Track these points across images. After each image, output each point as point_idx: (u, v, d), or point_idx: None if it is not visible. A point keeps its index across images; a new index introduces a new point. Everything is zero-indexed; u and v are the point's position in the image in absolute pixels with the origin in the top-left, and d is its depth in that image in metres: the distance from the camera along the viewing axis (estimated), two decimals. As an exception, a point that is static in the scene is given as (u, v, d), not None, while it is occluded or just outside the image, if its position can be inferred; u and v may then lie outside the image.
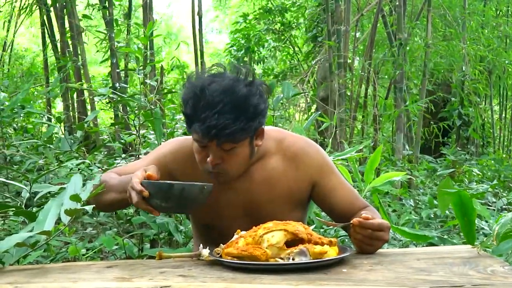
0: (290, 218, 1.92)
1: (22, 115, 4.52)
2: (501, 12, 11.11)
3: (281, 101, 4.70)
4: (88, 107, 8.45)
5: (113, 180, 2.05)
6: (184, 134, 3.87)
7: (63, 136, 3.83)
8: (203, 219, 2.21)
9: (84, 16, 7.35)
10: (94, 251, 3.54)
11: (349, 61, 8.36)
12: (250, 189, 2.11)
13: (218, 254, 1.75)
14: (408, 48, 7.84)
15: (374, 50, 9.20)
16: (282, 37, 12.51)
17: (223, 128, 1.86)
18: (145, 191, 1.78)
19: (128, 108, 4.56)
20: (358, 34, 10.60)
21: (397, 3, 7.84)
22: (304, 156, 2.14)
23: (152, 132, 4.15)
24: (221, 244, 1.79)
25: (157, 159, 2.17)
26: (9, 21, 10.03)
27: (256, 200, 2.11)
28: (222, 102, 1.86)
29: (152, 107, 3.91)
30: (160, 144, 3.78)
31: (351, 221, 1.86)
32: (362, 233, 1.85)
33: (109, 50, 7.09)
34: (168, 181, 1.80)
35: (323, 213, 4.11)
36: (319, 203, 2.22)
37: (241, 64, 2.09)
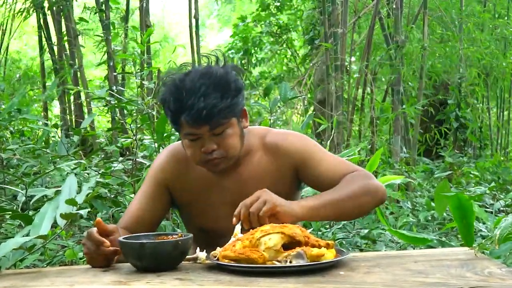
0: None
1: (18, 118, 4.52)
2: (498, 15, 11.11)
3: (278, 104, 4.70)
4: (85, 110, 8.44)
5: None
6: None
7: (59, 140, 3.82)
8: (197, 223, 2.22)
9: (81, 19, 7.34)
10: (91, 254, 3.52)
11: (346, 63, 8.36)
12: (238, 187, 2.13)
13: (215, 257, 1.74)
14: (405, 50, 7.84)
15: (371, 53, 9.20)
16: (279, 40, 12.52)
17: (213, 107, 1.91)
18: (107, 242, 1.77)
19: (125, 111, 4.56)
20: (355, 37, 10.60)
21: (394, 6, 7.85)
22: (283, 145, 2.17)
23: (147, 136, 4.14)
24: (218, 247, 1.79)
25: (153, 178, 2.20)
26: (6, 24, 10.01)
27: (246, 197, 2.09)
28: (204, 85, 1.93)
29: (150, 110, 3.91)
30: (159, 147, 3.80)
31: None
32: (254, 218, 1.85)
33: (106, 53, 7.07)
34: (140, 241, 1.75)
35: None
36: (310, 185, 2.24)
37: (210, 52, 2.13)
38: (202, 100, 1.90)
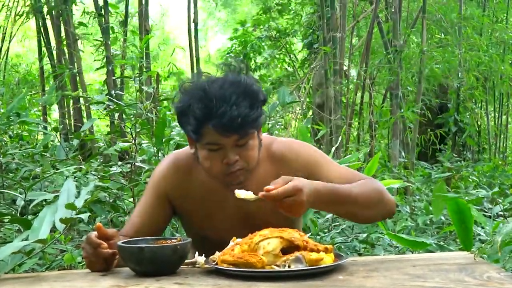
0: (287, 221, 1.94)
1: (17, 122, 4.52)
2: (497, 19, 11.12)
3: (277, 108, 4.70)
4: (84, 114, 8.44)
5: None
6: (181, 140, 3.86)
7: (59, 144, 3.82)
8: (198, 233, 2.18)
9: (80, 23, 7.35)
10: (90, 259, 3.52)
11: (345, 68, 8.37)
12: (243, 201, 2.03)
13: (214, 261, 1.75)
14: (403, 54, 7.85)
15: (370, 57, 9.20)
16: (278, 44, 12.53)
17: (246, 116, 1.87)
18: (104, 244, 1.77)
19: (124, 115, 4.57)
20: (354, 41, 10.61)
21: (393, 10, 7.86)
22: (290, 155, 2.14)
23: (146, 140, 4.14)
24: (217, 252, 1.79)
25: (154, 189, 2.16)
26: (5, 28, 10.02)
27: (251, 211, 2.09)
28: (235, 93, 1.88)
29: (149, 114, 3.91)
30: (157, 151, 3.80)
31: (259, 195, 1.82)
32: (276, 204, 1.82)
33: (105, 58, 7.08)
34: (139, 245, 1.74)
35: (320, 221, 4.12)
36: None
37: (231, 60, 2.11)
38: (234, 109, 1.85)
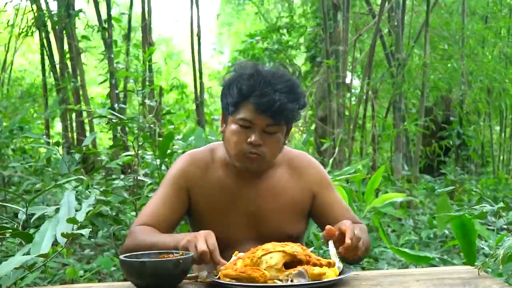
0: (294, 229, 2.07)
1: (20, 136, 4.53)
2: (499, 33, 11.11)
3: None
4: (87, 127, 8.45)
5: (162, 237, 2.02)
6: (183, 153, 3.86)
7: (61, 158, 3.82)
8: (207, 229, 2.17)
9: (83, 37, 7.37)
10: (92, 272, 3.52)
11: (347, 81, 8.37)
12: (256, 199, 2.15)
13: (216, 275, 1.74)
14: (406, 67, 7.85)
15: (372, 70, 9.20)
16: (280, 56, 12.51)
17: (284, 104, 1.99)
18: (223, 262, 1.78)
19: (127, 129, 4.56)
20: (356, 54, 10.62)
21: (395, 23, 7.88)
22: (307, 167, 2.24)
23: (149, 153, 4.14)
24: (219, 266, 1.78)
25: (173, 183, 2.17)
26: (9, 42, 10.06)
27: (262, 210, 2.14)
28: (282, 84, 2.02)
29: (152, 126, 3.91)
30: (161, 164, 3.80)
31: (342, 248, 1.84)
32: (353, 250, 1.88)
33: (109, 72, 7.10)
34: (141, 259, 1.72)
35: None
36: (317, 216, 2.25)
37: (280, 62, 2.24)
38: (275, 94, 1.98)
